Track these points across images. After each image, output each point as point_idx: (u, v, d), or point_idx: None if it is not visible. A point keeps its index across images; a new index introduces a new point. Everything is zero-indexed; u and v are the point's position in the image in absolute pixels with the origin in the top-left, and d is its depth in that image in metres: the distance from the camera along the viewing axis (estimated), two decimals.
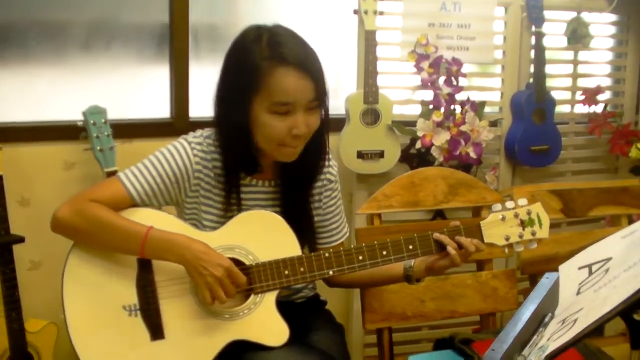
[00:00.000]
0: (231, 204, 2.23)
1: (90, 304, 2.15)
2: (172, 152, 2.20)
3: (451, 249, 2.19)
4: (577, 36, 3.88)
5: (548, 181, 3.87)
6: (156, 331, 2.15)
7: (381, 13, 3.45)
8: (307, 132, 2.14)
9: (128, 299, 2.15)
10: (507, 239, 2.24)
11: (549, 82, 3.81)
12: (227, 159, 2.22)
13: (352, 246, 2.23)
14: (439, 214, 3.57)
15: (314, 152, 2.25)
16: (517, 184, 3.87)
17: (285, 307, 2.20)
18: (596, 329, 1.41)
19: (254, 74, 2.05)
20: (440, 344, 2.35)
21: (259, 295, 2.17)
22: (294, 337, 2.18)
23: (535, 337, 1.57)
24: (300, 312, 2.39)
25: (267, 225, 2.21)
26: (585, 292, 1.60)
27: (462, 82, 3.58)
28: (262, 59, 2.05)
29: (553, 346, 1.42)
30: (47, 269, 3.31)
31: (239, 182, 2.25)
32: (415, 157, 3.61)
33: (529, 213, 2.26)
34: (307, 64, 2.08)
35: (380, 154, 3.49)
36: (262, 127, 2.11)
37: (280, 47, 2.06)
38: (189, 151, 2.20)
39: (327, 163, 2.38)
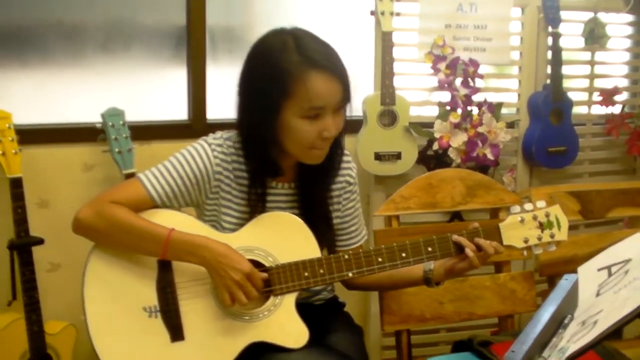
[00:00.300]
0: (252, 206, 2.23)
1: (110, 305, 2.16)
2: (193, 153, 2.21)
3: (470, 251, 2.19)
4: (594, 37, 3.86)
5: (565, 183, 3.85)
6: (176, 332, 2.16)
7: (398, 14, 3.45)
8: (336, 133, 2.15)
9: (148, 300, 2.16)
10: (525, 241, 2.25)
11: (566, 83, 3.80)
12: (251, 165, 2.22)
13: (371, 248, 2.23)
14: (456, 216, 3.57)
15: (331, 150, 2.25)
16: (534, 185, 3.86)
17: (303, 309, 2.21)
18: (615, 332, 1.41)
19: (284, 81, 2.05)
20: (458, 346, 2.35)
21: (279, 297, 2.18)
22: (313, 339, 2.18)
23: (555, 338, 1.56)
24: (319, 314, 2.39)
25: (286, 227, 2.21)
26: (605, 293, 1.60)
27: (479, 83, 3.58)
28: (292, 65, 2.04)
29: (573, 348, 1.42)
30: (66, 270, 3.32)
31: (266, 186, 2.26)
32: (433, 159, 3.61)
33: (547, 215, 2.26)
34: (335, 66, 2.09)
35: (398, 156, 3.49)
36: (293, 132, 2.11)
37: (309, 51, 2.06)
38: (209, 153, 2.20)
39: (345, 165, 2.39)
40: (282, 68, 2.05)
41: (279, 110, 2.08)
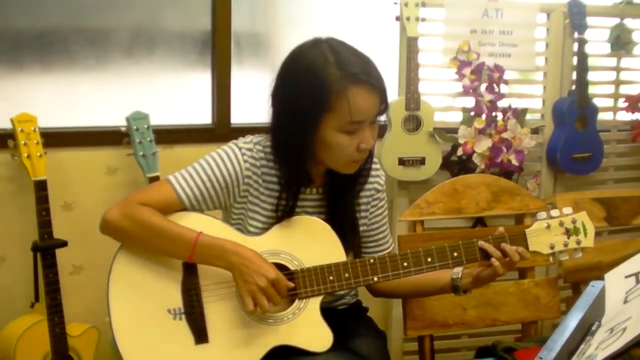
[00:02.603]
0: (280, 211, 2.22)
1: (135, 306, 2.16)
2: (223, 157, 2.20)
3: (495, 260, 2.18)
4: (621, 43, 3.84)
5: (590, 189, 3.83)
6: (200, 335, 2.15)
7: (423, 20, 3.44)
8: (373, 144, 2.16)
9: (173, 302, 2.16)
10: (552, 247, 2.23)
11: (591, 89, 3.78)
12: (284, 174, 2.21)
13: (396, 253, 2.22)
14: (479, 222, 3.56)
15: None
16: (558, 191, 3.84)
17: (327, 313, 2.20)
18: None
19: (325, 95, 2.03)
20: (482, 352, 2.34)
21: (304, 300, 2.17)
22: (337, 343, 2.18)
23: (582, 345, 1.55)
24: (343, 318, 2.38)
25: (312, 231, 2.21)
26: (633, 300, 1.59)
27: (504, 89, 3.57)
28: (333, 80, 2.03)
29: (602, 355, 1.41)
30: (89, 273, 3.34)
31: (298, 196, 2.25)
32: (457, 164, 3.60)
33: (574, 222, 2.24)
34: (374, 79, 2.07)
35: (422, 161, 3.49)
36: (332, 146, 2.10)
37: (349, 66, 2.05)
38: (239, 157, 2.20)
39: (374, 172, 2.38)
40: (323, 83, 2.04)
41: (318, 124, 2.07)
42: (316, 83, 2.05)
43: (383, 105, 2.12)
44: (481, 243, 2.21)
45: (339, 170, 2.20)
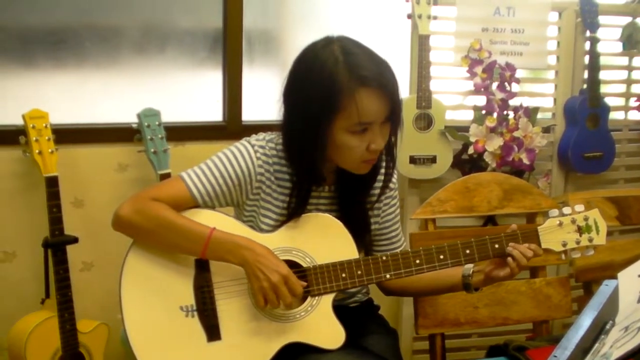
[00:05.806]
0: (292, 208, 2.22)
1: (148, 303, 2.16)
2: (236, 154, 2.20)
3: (514, 266, 2.18)
4: (632, 42, 3.83)
5: (600, 188, 3.82)
6: (212, 332, 2.15)
7: (435, 18, 3.44)
8: (383, 144, 2.14)
9: (185, 299, 2.16)
10: (564, 244, 2.22)
11: (603, 88, 3.76)
12: (296, 173, 2.21)
13: (409, 250, 2.22)
14: (490, 220, 3.55)
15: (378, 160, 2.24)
16: (569, 191, 3.83)
17: (339, 311, 2.20)
18: None
19: (334, 97, 2.02)
20: (494, 351, 2.33)
21: (316, 297, 2.17)
22: (349, 341, 2.17)
23: (597, 344, 1.55)
24: (354, 316, 2.38)
25: (324, 228, 2.21)
26: None
27: (515, 87, 3.56)
28: (343, 82, 2.01)
29: (617, 354, 1.41)
30: (99, 270, 3.34)
31: (310, 194, 2.25)
32: (468, 163, 3.60)
33: (586, 219, 2.23)
34: (385, 82, 2.05)
35: (433, 159, 3.48)
36: (342, 147, 2.10)
37: (358, 68, 2.03)
38: (252, 154, 2.20)
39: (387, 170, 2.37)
40: (333, 85, 2.02)
41: (328, 125, 2.06)
42: (326, 84, 2.03)
43: (394, 106, 2.10)
44: (509, 250, 2.19)
45: (353, 171, 2.19)
